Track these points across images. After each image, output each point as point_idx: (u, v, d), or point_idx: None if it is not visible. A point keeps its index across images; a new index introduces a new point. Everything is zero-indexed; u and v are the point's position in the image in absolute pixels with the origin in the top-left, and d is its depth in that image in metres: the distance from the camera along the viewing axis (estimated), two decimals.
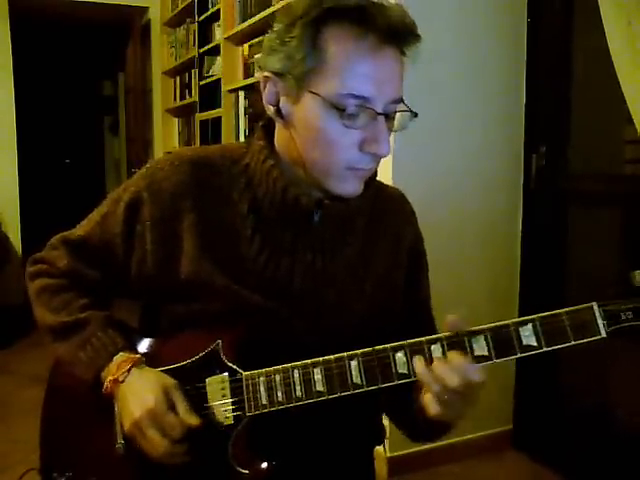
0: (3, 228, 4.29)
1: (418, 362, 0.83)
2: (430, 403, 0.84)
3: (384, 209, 1.07)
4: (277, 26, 0.90)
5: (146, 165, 1.02)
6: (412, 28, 0.88)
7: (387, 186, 1.12)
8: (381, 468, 2.39)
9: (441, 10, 2.34)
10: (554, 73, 2.48)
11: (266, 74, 0.92)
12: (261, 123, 1.00)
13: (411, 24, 0.88)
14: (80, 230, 1.05)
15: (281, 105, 0.92)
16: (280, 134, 0.96)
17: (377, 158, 0.91)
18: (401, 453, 2.43)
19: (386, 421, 1.15)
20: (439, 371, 0.81)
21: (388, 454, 2.40)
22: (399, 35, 0.86)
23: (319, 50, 0.85)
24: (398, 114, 0.92)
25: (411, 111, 0.91)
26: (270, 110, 0.93)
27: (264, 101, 0.94)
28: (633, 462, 2.17)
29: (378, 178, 1.05)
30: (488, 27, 2.43)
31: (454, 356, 0.82)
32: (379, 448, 1.15)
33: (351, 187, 0.92)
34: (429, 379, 0.82)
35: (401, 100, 0.90)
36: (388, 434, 1.15)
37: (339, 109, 0.85)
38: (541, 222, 2.53)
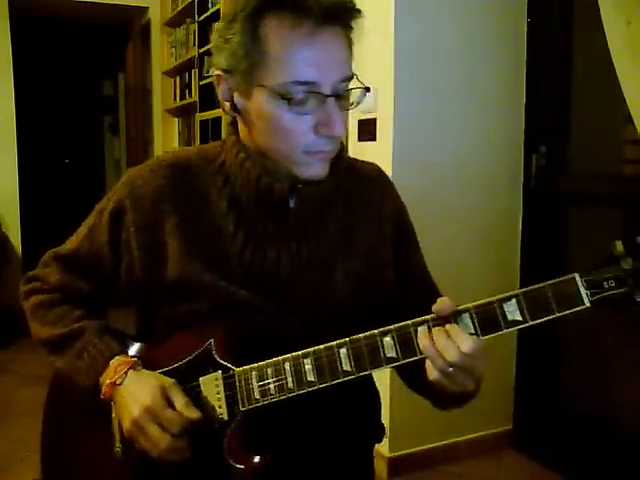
0: (3, 228, 4.29)
1: (423, 337, 0.83)
2: (430, 370, 0.84)
3: (360, 186, 1.07)
4: (220, 24, 0.92)
5: (126, 173, 1.04)
6: (347, 5, 0.88)
7: (360, 162, 1.12)
8: (381, 468, 2.39)
9: (442, 10, 2.34)
10: (554, 73, 2.48)
11: (217, 72, 0.93)
12: (229, 120, 1.02)
13: (346, 1, 0.88)
14: (70, 244, 1.06)
15: (235, 101, 0.94)
16: (241, 128, 0.98)
17: (333, 140, 0.91)
18: (401, 453, 2.43)
19: (386, 420, 1.15)
20: (440, 344, 0.82)
21: (388, 454, 2.41)
22: (335, 15, 0.87)
23: (259, 44, 0.87)
24: (353, 91, 0.92)
25: (364, 87, 0.92)
26: (226, 107, 0.95)
27: (219, 98, 0.96)
28: (633, 462, 2.17)
29: None
30: (488, 27, 2.43)
31: (452, 328, 0.82)
32: (379, 447, 1.15)
33: (315, 170, 0.93)
34: (433, 354, 0.82)
35: (351, 78, 0.91)
36: (388, 433, 1.15)
37: (287, 98, 0.86)
38: (541, 222, 2.53)
